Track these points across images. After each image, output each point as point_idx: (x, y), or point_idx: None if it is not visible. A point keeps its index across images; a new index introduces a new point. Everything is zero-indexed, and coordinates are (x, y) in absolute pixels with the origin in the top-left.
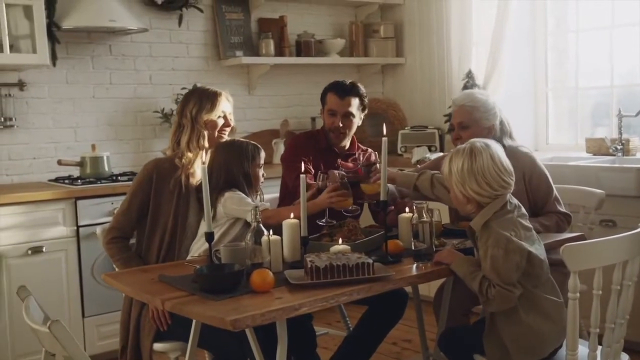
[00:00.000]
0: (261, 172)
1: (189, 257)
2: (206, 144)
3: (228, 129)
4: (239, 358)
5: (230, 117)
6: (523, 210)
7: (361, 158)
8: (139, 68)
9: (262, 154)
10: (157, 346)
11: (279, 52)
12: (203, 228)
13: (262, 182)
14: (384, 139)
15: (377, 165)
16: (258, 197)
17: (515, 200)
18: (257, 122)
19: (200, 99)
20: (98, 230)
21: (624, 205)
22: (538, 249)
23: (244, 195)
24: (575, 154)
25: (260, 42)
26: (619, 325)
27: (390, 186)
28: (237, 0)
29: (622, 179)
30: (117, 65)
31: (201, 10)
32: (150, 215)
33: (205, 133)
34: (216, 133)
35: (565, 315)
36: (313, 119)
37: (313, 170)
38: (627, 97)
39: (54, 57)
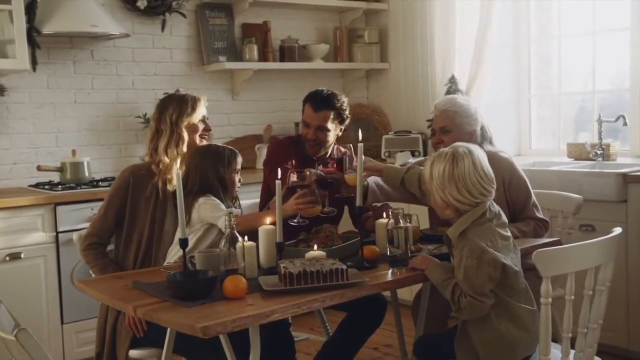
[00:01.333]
0: (237, 177)
1: (165, 263)
2: (184, 149)
3: (209, 133)
4: None
5: (209, 122)
6: (503, 218)
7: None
8: (121, 73)
9: (239, 159)
10: (133, 353)
11: (263, 57)
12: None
13: (238, 187)
14: (360, 145)
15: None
16: (235, 202)
17: (496, 208)
18: (240, 127)
19: (180, 103)
20: (75, 236)
21: (604, 210)
22: (514, 259)
23: (218, 201)
24: (557, 159)
25: (244, 47)
26: (592, 330)
27: (372, 182)
28: (220, 6)
29: (602, 184)
30: (99, 70)
31: (184, 16)
32: (127, 222)
33: (185, 137)
34: (197, 137)
35: (538, 323)
36: (297, 124)
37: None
38: (610, 102)
39: (34, 62)
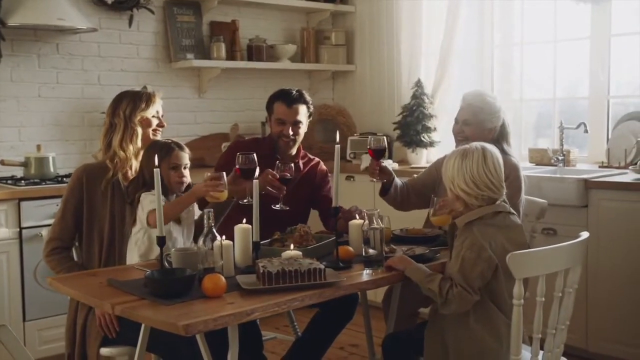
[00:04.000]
0: (177, 173)
1: (128, 263)
2: (139, 143)
3: (162, 129)
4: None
5: (163, 119)
6: (519, 238)
7: (301, 166)
8: (87, 68)
9: (178, 154)
10: (104, 351)
11: (231, 56)
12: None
13: (182, 184)
14: (337, 147)
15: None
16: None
17: (514, 222)
18: (207, 126)
19: (134, 98)
20: (44, 232)
21: (565, 214)
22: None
23: (154, 197)
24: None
25: (212, 46)
26: (560, 330)
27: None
28: (188, 3)
29: (563, 189)
30: (64, 64)
31: (152, 12)
32: (85, 221)
33: (139, 131)
34: (150, 132)
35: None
36: (263, 124)
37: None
38: (568, 109)
39: None
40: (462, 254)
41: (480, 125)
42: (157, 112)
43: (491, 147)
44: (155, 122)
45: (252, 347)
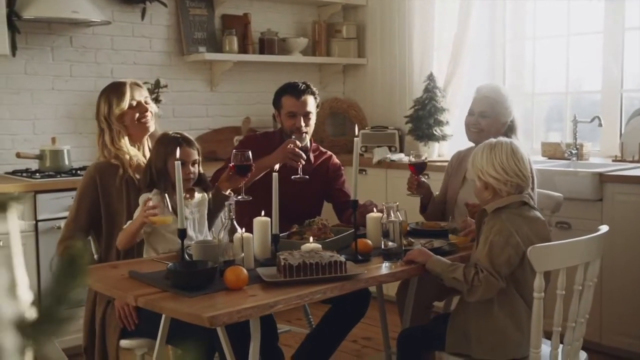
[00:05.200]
0: (186, 169)
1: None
2: (126, 141)
3: (148, 114)
4: (209, 352)
5: (147, 101)
6: (542, 232)
7: (312, 159)
8: (100, 61)
9: (188, 150)
10: (124, 343)
11: (243, 49)
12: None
13: (189, 180)
14: (356, 140)
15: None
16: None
17: (537, 215)
18: (219, 119)
19: (108, 96)
20: (62, 224)
21: (579, 208)
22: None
23: (146, 197)
24: (527, 158)
25: (224, 39)
26: (580, 324)
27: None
28: None
29: (578, 183)
30: (77, 57)
31: (165, 5)
32: (104, 217)
33: (122, 129)
34: (136, 122)
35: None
36: (274, 117)
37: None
38: (576, 103)
39: (13, 47)
40: (491, 239)
41: (496, 118)
42: (135, 99)
43: (516, 143)
44: (135, 112)
45: (268, 339)
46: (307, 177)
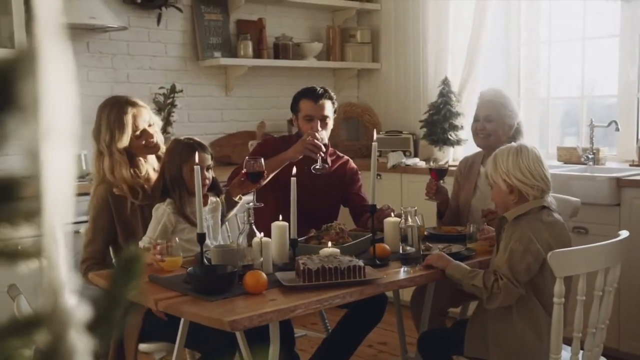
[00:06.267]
0: (201, 174)
1: None
2: (126, 173)
3: (153, 140)
4: (228, 356)
5: (151, 122)
6: (564, 236)
7: (329, 163)
8: (116, 66)
9: (202, 156)
10: (142, 347)
11: (257, 54)
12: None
13: (204, 185)
14: (374, 144)
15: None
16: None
17: (558, 219)
18: (233, 124)
19: (110, 127)
20: (83, 229)
21: (596, 213)
22: None
23: (168, 212)
24: (546, 162)
25: (239, 44)
26: (600, 329)
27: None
28: (216, 1)
29: (595, 188)
30: (94, 62)
31: (180, 10)
32: (120, 233)
33: (125, 160)
34: (143, 148)
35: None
36: (289, 121)
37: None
38: (592, 107)
39: None
40: (511, 246)
41: (501, 121)
42: (137, 130)
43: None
44: (141, 142)
45: (285, 344)
46: (327, 165)
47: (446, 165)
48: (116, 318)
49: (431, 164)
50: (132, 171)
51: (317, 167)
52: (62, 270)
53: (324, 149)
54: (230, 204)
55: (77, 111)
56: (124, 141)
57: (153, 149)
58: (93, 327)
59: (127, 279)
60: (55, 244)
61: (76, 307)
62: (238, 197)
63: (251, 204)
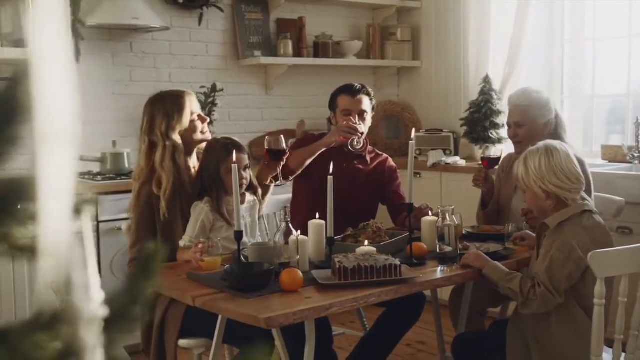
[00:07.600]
0: (239, 174)
1: None
2: (181, 161)
3: (206, 124)
4: (266, 352)
5: (200, 112)
6: (605, 239)
7: (369, 161)
8: (158, 66)
9: (239, 156)
10: (182, 342)
11: (297, 52)
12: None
13: (242, 185)
14: (411, 143)
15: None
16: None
17: (599, 221)
18: (273, 122)
19: (167, 114)
20: (124, 226)
21: None
22: None
23: (206, 210)
24: (590, 161)
25: (279, 43)
26: None
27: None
28: (256, 1)
29: None
30: (137, 62)
31: (221, 10)
32: (160, 230)
33: (177, 147)
34: (199, 134)
35: None
36: (329, 120)
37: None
38: (638, 105)
39: (77, 54)
40: (551, 254)
41: (533, 123)
42: (192, 113)
43: (561, 144)
44: (199, 126)
45: (323, 342)
46: (362, 145)
47: (499, 154)
48: (134, 315)
49: (485, 152)
50: (186, 160)
51: (354, 143)
52: (74, 268)
53: (360, 131)
54: (264, 190)
55: (77, 114)
56: (184, 123)
57: (205, 136)
58: (111, 324)
59: (145, 276)
60: (64, 243)
61: (91, 304)
62: (269, 180)
63: (278, 182)
